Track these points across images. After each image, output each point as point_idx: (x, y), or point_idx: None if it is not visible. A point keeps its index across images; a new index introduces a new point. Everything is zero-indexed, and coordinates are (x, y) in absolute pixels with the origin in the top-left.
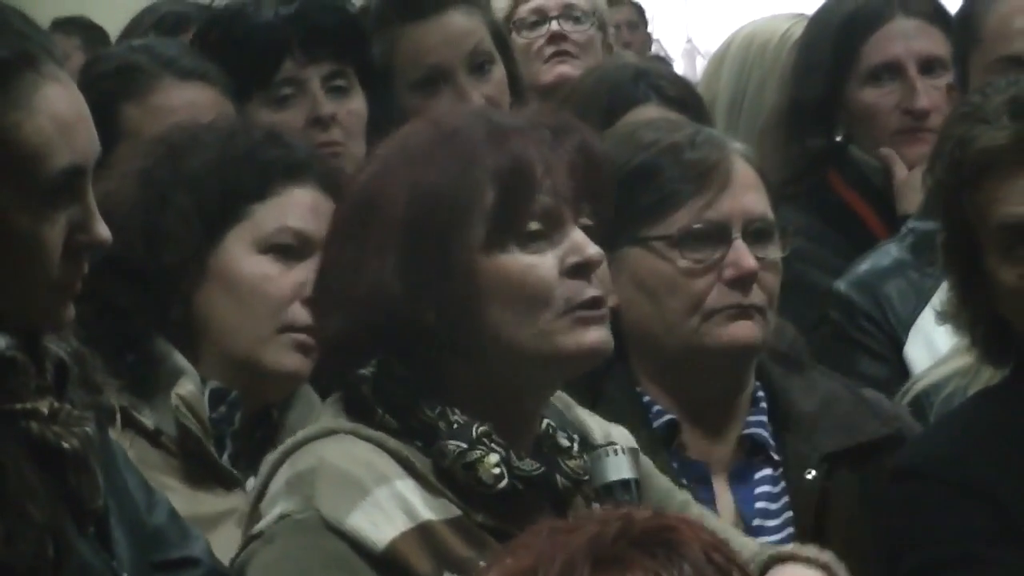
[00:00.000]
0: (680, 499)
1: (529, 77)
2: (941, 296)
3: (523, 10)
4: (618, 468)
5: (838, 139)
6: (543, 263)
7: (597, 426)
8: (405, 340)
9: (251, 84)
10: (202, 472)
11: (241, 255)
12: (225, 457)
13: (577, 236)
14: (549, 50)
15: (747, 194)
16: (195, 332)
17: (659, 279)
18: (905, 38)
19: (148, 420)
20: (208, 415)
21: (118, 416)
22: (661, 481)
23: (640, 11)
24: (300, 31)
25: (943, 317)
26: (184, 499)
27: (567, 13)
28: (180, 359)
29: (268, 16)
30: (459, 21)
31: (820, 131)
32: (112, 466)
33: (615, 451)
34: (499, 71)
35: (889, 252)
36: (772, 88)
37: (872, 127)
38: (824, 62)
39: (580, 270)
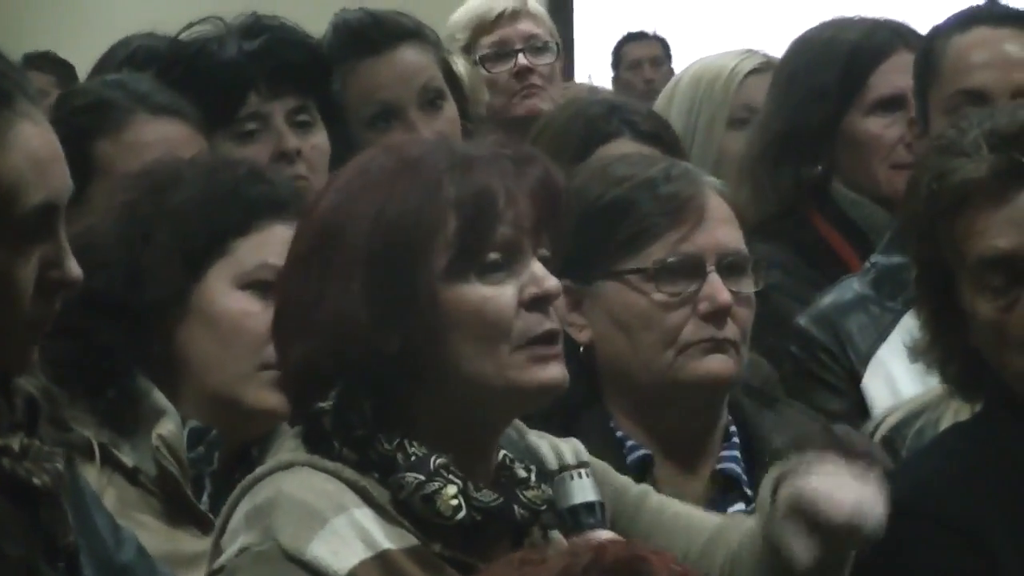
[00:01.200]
0: (636, 491)
1: (496, 109)
2: (902, 331)
3: (485, 42)
4: (583, 491)
5: (819, 169)
6: (501, 295)
7: (548, 448)
8: (368, 368)
9: (216, 119)
10: (180, 512)
11: (222, 291)
12: (205, 497)
13: (536, 268)
14: (517, 85)
15: (721, 228)
16: (175, 369)
17: (633, 313)
18: (910, 71)
19: (127, 458)
20: (187, 455)
21: (97, 453)
22: (615, 479)
23: (665, 46)
24: (265, 67)
25: (914, 354)
26: (162, 538)
27: (531, 45)
28: (160, 397)
29: (232, 52)
30: (410, 57)
31: (816, 159)
32: (81, 503)
33: (579, 474)
34: (450, 107)
35: (851, 286)
36: (721, 125)
37: (871, 157)
38: (827, 89)
39: (538, 303)
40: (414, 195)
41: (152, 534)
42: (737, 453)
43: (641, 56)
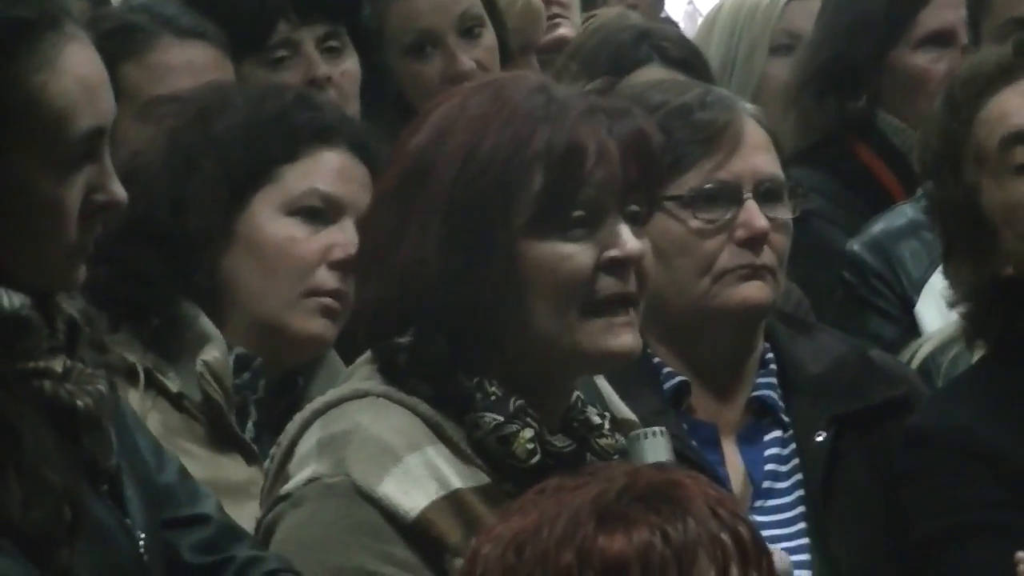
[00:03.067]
0: None
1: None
2: None
3: None
4: (656, 450)
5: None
6: (580, 254)
7: (620, 403)
8: (442, 314)
9: (245, 46)
10: (224, 439)
11: (268, 218)
12: (250, 424)
13: (620, 230)
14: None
15: (758, 155)
16: (221, 296)
17: (670, 240)
18: (959, 7)
19: (173, 383)
20: (232, 381)
21: (141, 377)
22: None
23: None
24: None
25: (950, 303)
26: (205, 464)
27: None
28: (207, 323)
29: None
30: None
31: (861, 91)
32: (123, 425)
33: (653, 433)
34: (489, 35)
35: (904, 213)
36: (762, 52)
37: (918, 91)
38: (876, 22)
39: (617, 266)
40: (505, 143)
41: (195, 460)
42: (773, 380)
43: None
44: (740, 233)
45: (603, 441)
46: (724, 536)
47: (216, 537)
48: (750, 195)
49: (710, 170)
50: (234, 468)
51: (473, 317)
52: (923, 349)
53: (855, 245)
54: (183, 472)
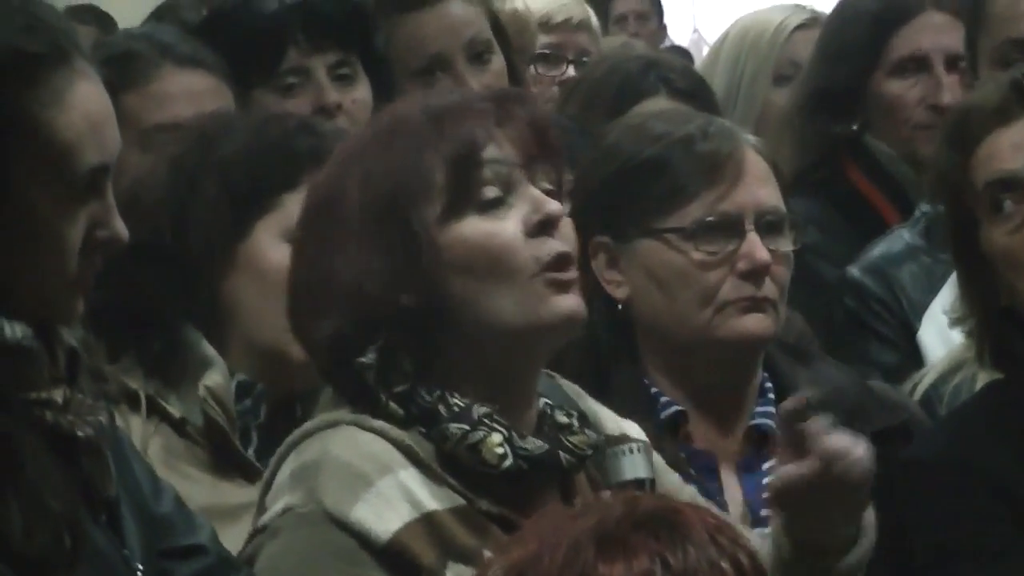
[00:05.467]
0: (688, 493)
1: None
2: (954, 282)
3: (541, 41)
4: (634, 467)
5: (854, 127)
6: (505, 227)
7: (610, 418)
8: (393, 327)
9: (256, 73)
10: (227, 463)
11: (269, 245)
12: (251, 451)
13: (535, 194)
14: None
15: (760, 186)
16: (222, 321)
17: (672, 271)
18: (934, 32)
19: (175, 408)
20: (235, 407)
21: (143, 403)
22: (670, 477)
23: (655, 2)
24: (305, 20)
25: (953, 321)
26: (208, 489)
27: (580, 59)
28: (208, 348)
29: (273, 5)
30: (458, 10)
31: (842, 119)
32: (120, 455)
33: (631, 449)
34: (498, 60)
35: (902, 237)
36: (765, 81)
37: (894, 119)
38: (853, 50)
39: (543, 227)
40: (396, 155)
41: (198, 485)
42: (772, 408)
43: (627, 11)
44: (742, 265)
45: (575, 439)
46: (724, 563)
47: (212, 568)
48: (752, 227)
49: (712, 202)
50: (235, 492)
51: (422, 322)
52: (925, 380)
53: (854, 271)
54: (179, 502)
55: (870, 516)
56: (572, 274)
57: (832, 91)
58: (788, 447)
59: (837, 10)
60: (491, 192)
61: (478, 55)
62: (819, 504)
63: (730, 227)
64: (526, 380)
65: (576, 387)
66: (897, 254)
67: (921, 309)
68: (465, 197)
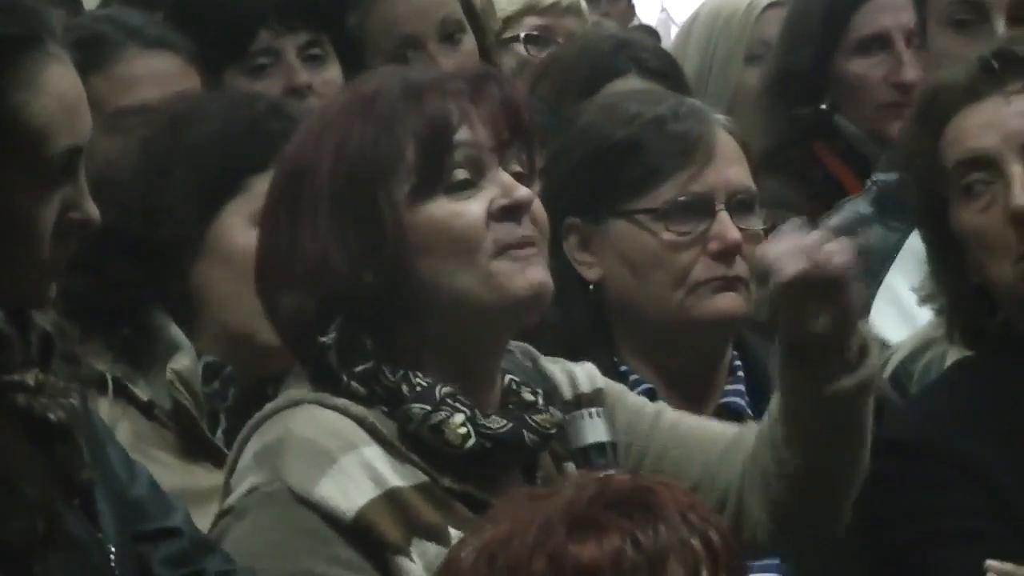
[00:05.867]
0: (651, 409)
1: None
2: (909, 251)
3: (530, 23)
4: (595, 431)
5: (823, 107)
6: (470, 208)
7: (562, 374)
8: (356, 305)
9: (227, 54)
10: (194, 447)
11: (239, 228)
12: (219, 432)
13: (504, 179)
14: None
15: (730, 166)
16: (192, 305)
17: (644, 252)
18: (894, 10)
19: (142, 392)
20: (202, 390)
21: (110, 386)
22: (630, 400)
23: None
24: (277, 1)
25: (922, 299)
26: (176, 472)
27: None
28: (177, 332)
29: None
30: None
31: (808, 100)
32: (94, 438)
33: (591, 414)
34: (469, 40)
35: (854, 208)
36: (738, 61)
37: (859, 98)
38: (814, 31)
39: (509, 212)
40: (369, 129)
41: (166, 468)
42: (742, 387)
43: None
44: (713, 245)
45: (538, 417)
46: (695, 541)
47: (187, 550)
48: (723, 207)
49: (683, 183)
50: (204, 475)
51: (384, 300)
52: (895, 357)
53: None
54: (154, 484)
55: (875, 346)
56: (533, 251)
57: (797, 72)
58: None
59: None
60: (460, 174)
61: (449, 35)
62: (804, 301)
63: (701, 207)
64: (489, 359)
65: (531, 349)
66: (849, 225)
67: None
68: (434, 178)
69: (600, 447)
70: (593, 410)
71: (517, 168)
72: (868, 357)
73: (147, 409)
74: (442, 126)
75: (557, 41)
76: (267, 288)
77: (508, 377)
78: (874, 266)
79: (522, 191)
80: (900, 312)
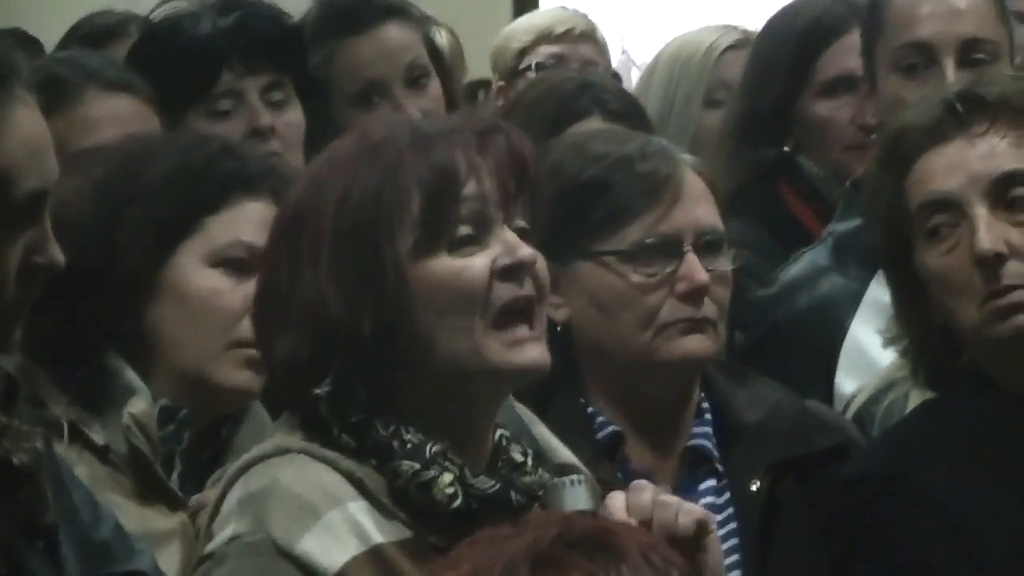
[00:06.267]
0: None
1: None
2: (871, 299)
3: (544, 51)
4: (575, 499)
5: (786, 149)
6: (472, 265)
7: (560, 448)
8: (351, 355)
9: (189, 97)
10: (150, 491)
11: (193, 269)
12: (175, 476)
13: (508, 237)
14: None
15: (698, 206)
16: (147, 347)
17: (611, 294)
18: (859, 53)
19: (98, 436)
20: (158, 433)
21: (65, 431)
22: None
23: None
24: (239, 43)
25: (887, 340)
26: (132, 516)
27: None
28: (132, 375)
29: (207, 28)
30: (396, 35)
31: (773, 140)
32: (59, 481)
33: (573, 481)
34: (435, 85)
35: (811, 260)
36: (698, 102)
37: (824, 140)
38: (780, 72)
39: (511, 272)
40: (375, 176)
41: (122, 512)
42: (709, 429)
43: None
44: (681, 287)
45: (526, 479)
46: None
47: None
48: (690, 248)
49: (650, 224)
50: (160, 519)
51: (379, 351)
52: (857, 399)
53: (762, 296)
54: (119, 528)
55: None
56: (535, 332)
57: (761, 113)
58: None
59: (763, 32)
60: (465, 230)
61: (415, 80)
62: None
63: (669, 248)
64: (480, 419)
65: (530, 413)
66: (805, 278)
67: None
68: (439, 233)
69: (582, 516)
70: (575, 477)
71: (521, 223)
72: None
73: (103, 453)
74: (449, 179)
75: (572, 68)
76: (263, 329)
77: (500, 432)
78: (836, 316)
79: (526, 251)
80: (864, 362)
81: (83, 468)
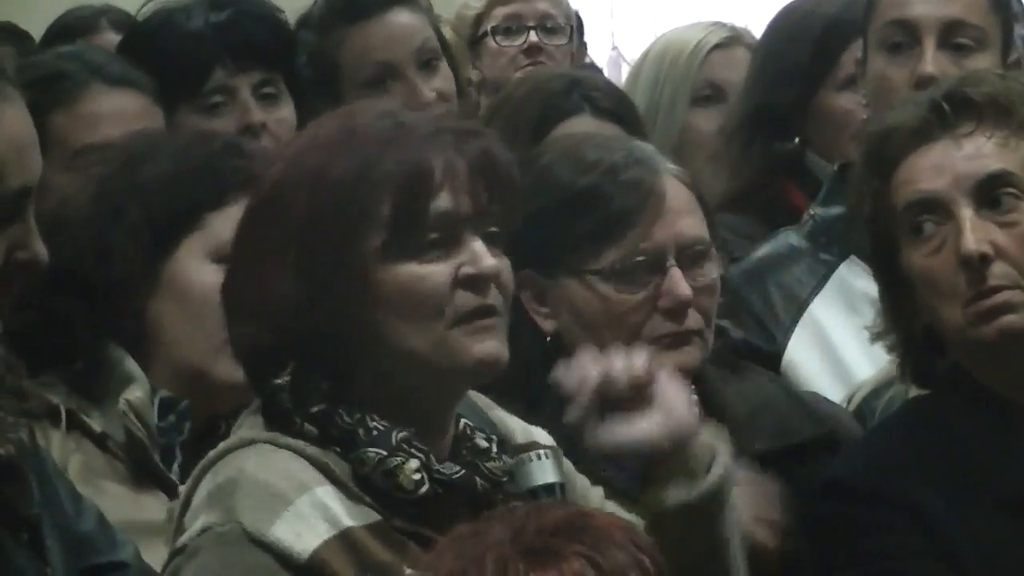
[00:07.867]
0: (596, 495)
1: (498, 82)
2: (836, 282)
3: (499, 13)
4: (543, 472)
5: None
6: (435, 273)
7: (518, 427)
8: (313, 346)
9: (181, 92)
10: (147, 478)
11: (194, 265)
12: (175, 467)
13: (475, 247)
14: (524, 60)
15: (681, 219)
16: (148, 341)
17: (595, 312)
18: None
19: (96, 424)
20: (157, 423)
21: (63, 418)
22: (579, 480)
23: (578, 21)
24: (231, 40)
25: (873, 336)
26: (127, 504)
27: (544, 24)
28: (132, 365)
29: (198, 25)
30: (404, 18)
31: (788, 135)
32: (43, 473)
33: (539, 455)
34: (445, 66)
35: (787, 240)
36: (684, 101)
37: (841, 134)
38: (801, 66)
39: (473, 282)
40: (352, 169)
41: (117, 500)
42: None
43: None
44: (664, 302)
45: (491, 464)
46: (646, 561)
47: None
48: (673, 263)
49: (633, 240)
50: (156, 507)
51: (344, 347)
52: (858, 394)
53: (734, 272)
54: (102, 519)
55: (721, 455)
56: (492, 321)
57: (776, 110)
58: None
59: (777, 25)
60: (432, 235)
61: (427, 62)
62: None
63: (652, 264)
64: (444, 410)
65: (484, 398)
66: (778, 256)
67: (800, 313)
68: (406, 237)
69: (549, 488)
70: (541, 451)
71: (492, 228)
72: (714, 467)
73: (100, 441)
74: (423, 184)
75: (528, 26)
76: (229, 314)
77: (463, 421)
78: (801, 298)
79: (489, 263)
80: (819, 340)
81: (80, 456)
